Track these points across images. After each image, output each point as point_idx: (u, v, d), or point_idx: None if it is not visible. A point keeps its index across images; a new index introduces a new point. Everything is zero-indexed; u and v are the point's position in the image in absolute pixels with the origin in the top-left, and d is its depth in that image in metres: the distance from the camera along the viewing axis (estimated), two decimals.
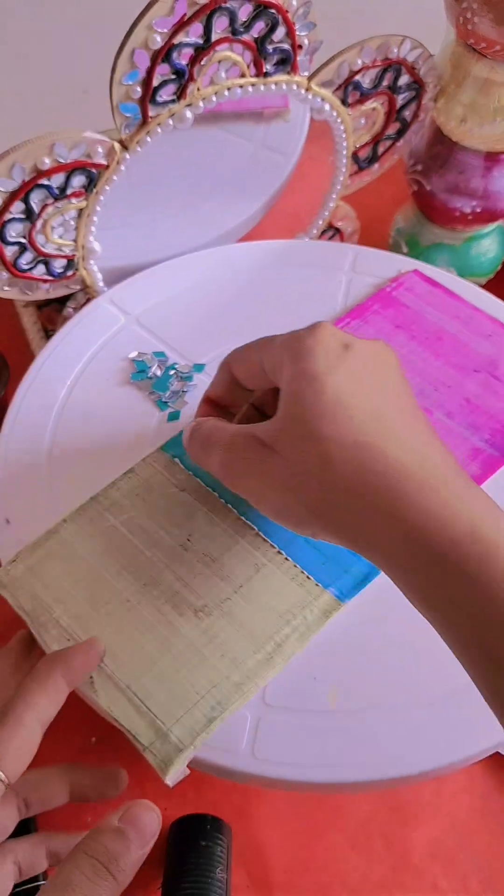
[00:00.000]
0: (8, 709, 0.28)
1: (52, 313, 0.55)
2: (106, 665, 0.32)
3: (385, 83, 0.47)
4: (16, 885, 0.31)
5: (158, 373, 0.43)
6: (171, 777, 0.30)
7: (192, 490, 0.38)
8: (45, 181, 0.40)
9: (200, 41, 0.38)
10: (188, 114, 0.41)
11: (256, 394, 0.36)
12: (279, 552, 0.36)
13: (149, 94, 0.39)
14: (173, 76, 0.39)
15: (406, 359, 0.44)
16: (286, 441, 0.29)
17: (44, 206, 0.41)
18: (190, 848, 0.38)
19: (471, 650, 0.26)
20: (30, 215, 0.41)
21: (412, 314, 0.46)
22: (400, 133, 0.51)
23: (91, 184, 0.42)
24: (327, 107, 0.46)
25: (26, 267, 0.43)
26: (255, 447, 0.30)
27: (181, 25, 0.37)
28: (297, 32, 0.41)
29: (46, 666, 0.30)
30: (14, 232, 0.41)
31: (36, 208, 0.41)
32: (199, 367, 0.43)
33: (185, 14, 0.37)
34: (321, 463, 0.28)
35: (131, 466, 0.39)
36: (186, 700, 0.31)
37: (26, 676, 0.30)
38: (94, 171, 0.41)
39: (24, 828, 0.38)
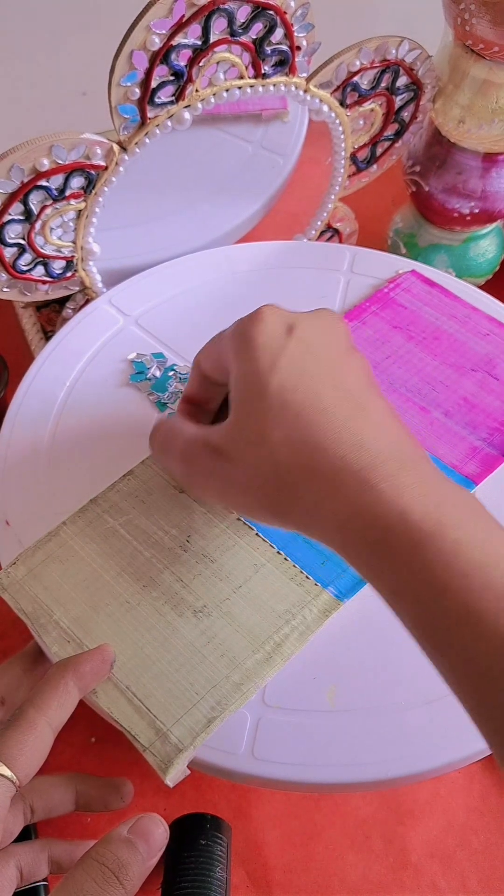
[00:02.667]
0: (20, 713, 0.28)
1: (52, 314, 0.55)
2: None
3: (383, 84, 0.47)
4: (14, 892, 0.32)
5: (157, 374, 0.43)
6: (172, 777, 0.30)
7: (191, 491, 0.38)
8: (43, 182, 0.40)
9: (199, 42, 0.38)
10: (187, 115, 0.41)
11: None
12: (278, 552, 0.36)
13: (147, 96, 0.39)
14: (172, 77, 0.39)
15: (403, 359, 0.44)
16: (238, 447, 0.29)
17: (43, 208, 0.41)
18: (190, 847, 0.38)
19: (418, 633, 0.26)
20: (29, 216, 0.41)
21: (409, 314, 0.46)
22: (398, 134, 0.51)
23: (90, 185, 0.42)
24: (325, 108, 0.46)
25: (25, 268, 0.44)
26: (210, 455, 0.30)
27: (179, 27, 0.37)
28: (296, 34, 0.41)
29: (58, 671, 0.30)
30: (13, 233, 0.41)
31: (35, 209, 0.41)
32: None
33: (183, 15, 0.37)
34: (273, 467, 0.28)
35: (130, 468, 0.39)
36: (186, 700, 0.32)
37: (39, 681, 0.30)
38: (92, 172, 0.41)
39: (25, 834, 0.38)
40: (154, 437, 0.34)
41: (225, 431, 0.30)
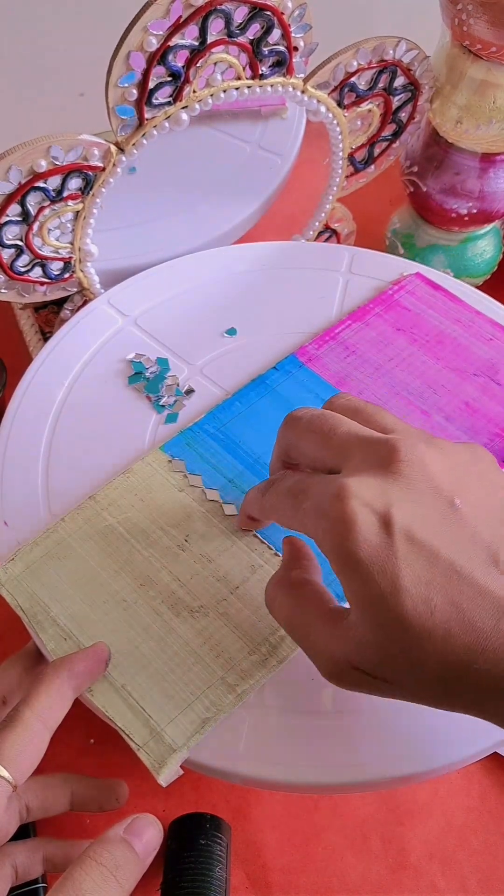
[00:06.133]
0: (15, 713, 0.29)
1: (50, 315, 0.55)
2: None
3: (381, 85, 0.47)
4: (11, 889, 0.32)
5: (155, 374, 0.43)
6: (165, 777, 0.30)
7: (191, 491, 0.38)
8: (41, 184, 0.40)
9: (196, 43, 0.39)
10: (184, 116, 0.41)
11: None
12: (276, 553, 0.36)
13: (145, 97, 0.39)
14: (169, 78, 0.39)
15: (406, 362, 0.44)
16: (395, 674, 0.26)
17: (40, 209, 0.41)
18: (189, 847, 0.38)
19: None
20: (26, 218, 0.41)
21: (413, 317, 0.46)
22: (396, 134, 0.51)
23: (87, 186, 0.42)
24: (323, 109, 0.46)
25: (23, 269, 0.44)
26: (362, 676, 0.27)
27: (177, 27, 0.37)
28: (293, 34, 0.41)
29: (52, 671, 0.30)
30: (10, 234, 0.41)
31: (32, 211, 0.41)
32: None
33: (180, 16, 0.37)
34: (437, 681, 0.25)
35: (130, 466, 0.39)
36: (181, 700, 0.32)
37: (33, 682, 0.30)
38: (90, 173, 0.41)
39: (23, 832, 0.38)
40: (274, 606, 0.30)
41: (372, 653, 0.26)
